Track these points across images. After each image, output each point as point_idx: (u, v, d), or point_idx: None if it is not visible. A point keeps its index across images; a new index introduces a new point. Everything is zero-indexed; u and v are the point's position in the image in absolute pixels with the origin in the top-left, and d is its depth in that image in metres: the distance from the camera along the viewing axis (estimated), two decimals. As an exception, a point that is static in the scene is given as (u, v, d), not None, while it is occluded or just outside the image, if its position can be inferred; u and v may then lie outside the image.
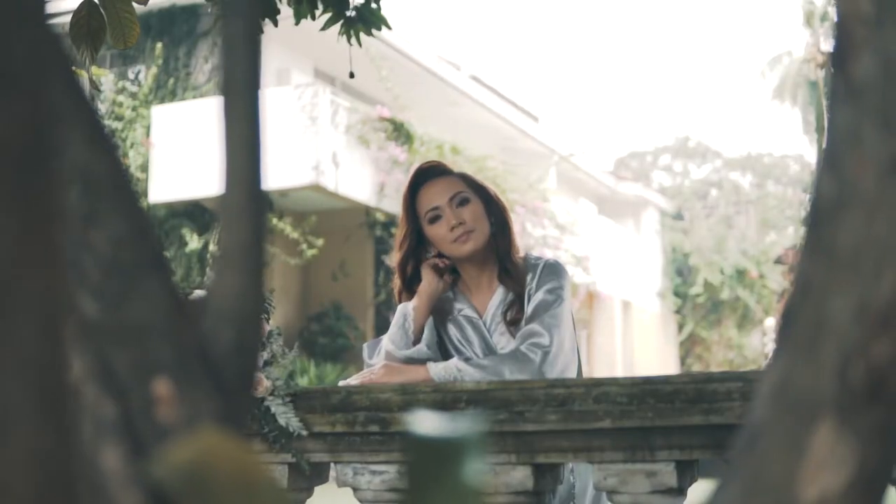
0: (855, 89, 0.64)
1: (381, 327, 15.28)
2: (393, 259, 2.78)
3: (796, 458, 0.60)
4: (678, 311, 25.15)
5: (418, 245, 2.67)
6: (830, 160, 0.64)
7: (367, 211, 15.57)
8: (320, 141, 14.01)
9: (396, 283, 2.73)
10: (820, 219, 0.63)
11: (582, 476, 2.52)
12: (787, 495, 0.60)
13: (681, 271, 25.32)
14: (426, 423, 0.61)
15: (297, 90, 14.23)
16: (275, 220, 14.28)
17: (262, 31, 0.92)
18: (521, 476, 2.06)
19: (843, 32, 0.67)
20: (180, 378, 0.80)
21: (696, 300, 24.84)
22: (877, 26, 0.65)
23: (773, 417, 0.62)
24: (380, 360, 2.56)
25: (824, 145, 0.65)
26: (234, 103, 0.88)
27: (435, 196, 2.61)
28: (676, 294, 25.12)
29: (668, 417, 1.92)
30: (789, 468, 0.60)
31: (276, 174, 13.01)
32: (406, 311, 2.59)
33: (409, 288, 2.68)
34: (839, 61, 0.66)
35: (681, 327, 25.27)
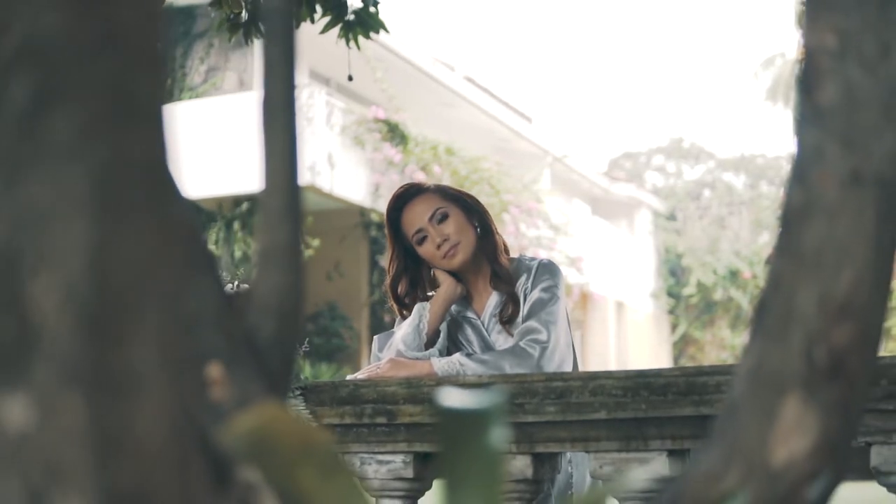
0: (820, 113, 0.75)
1: (376, 327, 15.37)
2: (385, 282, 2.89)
3: (769, 426, 0.71)
4: (671, 312, 25.28)
5: (408, 264, 2.79)
6: (798, 173, 0.74)
7: (362, 212, 15.66)
8: (316, 142, 14.10)
9: (394, 304, 2.84)
10: (789, 223, 0.74)
11: (580, 467, 2.63)
12: (761, 457, 0.71)
13: (674, 272, 25.44)
14: (455, 397, 0.72)
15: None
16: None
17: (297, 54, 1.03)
18: (520, 465, 2.17)
19: (809, 62, 0.77)
20: (230, 363, 0.90)
21: (689, 301, 24.96)
22: (840, 58, 0.76)
23: (749, 392, 0.72)
24: (389, 356, 2.67)
25: (793, 160, 0.75)
26: (274, 119, 0.99)
27: (416, 218, 2.73)
28: (670, 294, 25.24)
29: (661, 409, 2.03)
30: (763, 434, 0.71)
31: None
32: (422, 313, 2.69)
33: (404, 305, 2.79)
34: (806, 88, 0.77)
35: (674, 328, 25.39)
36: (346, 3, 3.80)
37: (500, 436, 0.69)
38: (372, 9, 3.85)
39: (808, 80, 0.77)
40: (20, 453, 0.46)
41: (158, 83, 0.51)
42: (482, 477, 0.69)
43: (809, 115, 0.76)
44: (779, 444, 0.71)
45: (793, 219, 0.74)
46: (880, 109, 0.74)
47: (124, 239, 0.47)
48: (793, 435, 0.71)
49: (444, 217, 2.70)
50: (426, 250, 2.72)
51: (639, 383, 2.05)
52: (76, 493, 0.46)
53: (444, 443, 0.71)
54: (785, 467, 0.71)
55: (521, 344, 2.56)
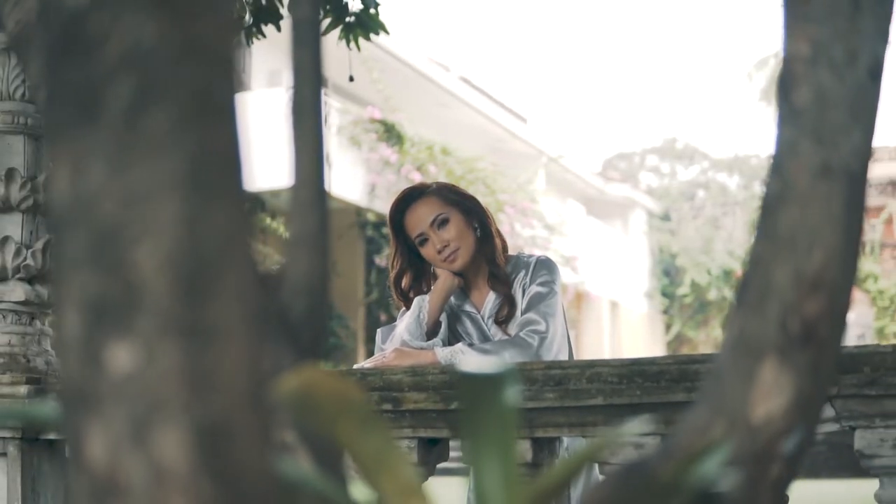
0: (795, 112, 0.85)
1: (372, 326, 15.45)
2: (389, 279, 2.99)
3: (749, 387, 0.81)
4: (665, 312, 25.40)
5: (412, 260, 2.90)
6: (775, 166, 0.84)
7: (358, 211, 15.74)
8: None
9: (397, 299, 2.95)
10: (767, 210, 0.84)
11: (575, 452, 2.73)
12: (742, 414, 0.80)
13: (668, 272, 25.57)
14: (473, 363, 0.81)
15: (290, 91, 14.38)
16: (267, 220, 14.43)
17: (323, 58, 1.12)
18: (520, 449, 2.27)
19: (786, 68, 0.87)
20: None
21: (683, 300, 25.09)
22: (812, 65, 0.86)
23: (731, 358, 0.82)
24: (392, 346, 2.78)
25: (771, 155, 0.85)
26: (303, 119, 1.09)
27: (417, 223, 2.84)
28: (664, 294, 25.37)
29: (655, 395, 2.13)
30: (744, 394, 0.81)
31: (269, 175, 13.17)
32: (422, 304, 2.80)
33: (408, 300, 2.90)
34: (783, 90, 0.87)
35: (668, 327, 25.52)
36: (346, 5, 3.89)
37: (513, 394, 0.79)
38: (372, 11, 3.95)
39: (785, 83, 0.87)
40: (126, 390, 0.56)
41: (233, 85, 0.61)
42: (498, 431, 0.79)
43: (786, 114, 0.86)
44: (757, 403, 0.81)
45: (771, 206, 0.84)
46: (848, 110, 0.84)
47: (210, 215, 0.57)
48: (770, 395, 0.81)
49: (445, 222, 2.82)
50: (427, 252, 2.83)
51: (633, 371, 2.15)
52: (173, 423, 0.56)
53: (463, 402, 0.81)
54: (763, 423, 0.81)
55: (521, 334, 2.67)
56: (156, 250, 0.56)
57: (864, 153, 0.85)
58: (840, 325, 0.83)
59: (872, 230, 22.17)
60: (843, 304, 0.83)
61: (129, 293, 0.56)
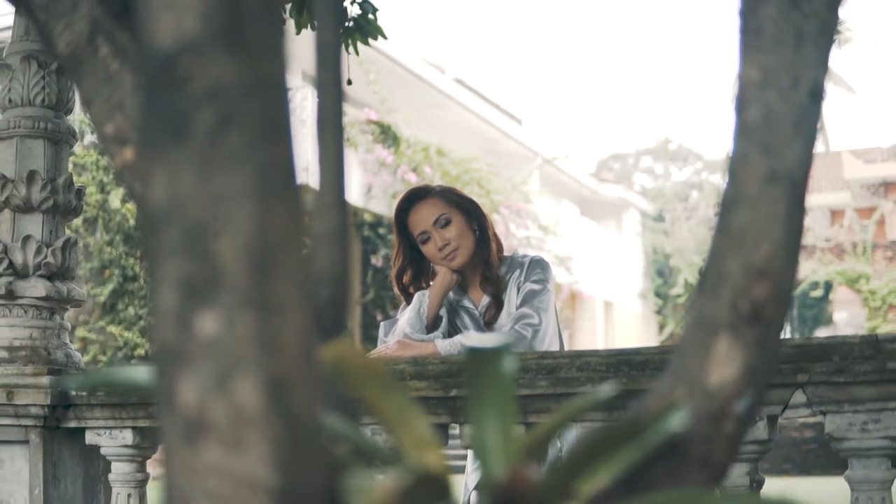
0: (747, 128, 1.01)
1: (368, 326, 15.62)
2: (391, 274, 3.17)
3: (704, 358, 0.97)
4: (659, 312, 25.61)
5: (414, 257, 3.08)
6: (730, 173, 1.01)
7: (355, 212, 15.88)
8: (309, 143, 14.30)
9: (399, 293, 3.14)
10: (723, 210, 1.00)
11: (568, 441, 2.90)
12: (700, 381, 0.97)
13: (662, 272, 25.77)
14: (475, 339, 0.98)
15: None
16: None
17: (343, 76, 1.28)
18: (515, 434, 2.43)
19: (740, 90, 1.04)
20: (297, 320, 1.15)
21: (676, 301, 25.30)
22: (762, 88, 1.02)
23: (692, 334, 0.99)
24: (395, 339, 2.95)
25: (727, 164, 1.02)
26: (326, 130, 1.25)
27: (420, 222, 3.03)
28: (657, 295, 25.58)
29: (641, 382, 2.30)
30: (701, 364, 0.97)
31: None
32: (422, 299, 2.98)
33: (408, 295, 3.08)
34: (738, 110, 1.03)
35: (661, 327, 25.72)
36: (345, 10, 4.05)
37: (510, 363, 0.95)
38: (370, 16, 4.10)
39: (739, 103, 1.03)
40: (211, 350, 0.72)
41: (289, 112, 0.77)
42: (498, 392, 0.95)
43: (739, 130, 1.02)
44: (713, 371, 0.97)
45: (726, 207, 1.00)
46: (791, 126, 1.01)
47: (275, 214, 0.73)
48: (723, 364, 0.97)
49: (447, 223, 3.00)
50: (429, 250, 3.01)
51: (621, 360, 2.31)
52: (249, 375, 0.72)
53: (468, 374, 0.97)
54: (717, 388, 0.97)
55: (516, 327, 2.85)
56: (234, 242, 0.72)
57: (806, 162, 1.01)
58: (783, 307, 0.99)
59: (864, 231, 22.35)
60: (786, 290, 0.99)
61: (213, 274, 0.72)
